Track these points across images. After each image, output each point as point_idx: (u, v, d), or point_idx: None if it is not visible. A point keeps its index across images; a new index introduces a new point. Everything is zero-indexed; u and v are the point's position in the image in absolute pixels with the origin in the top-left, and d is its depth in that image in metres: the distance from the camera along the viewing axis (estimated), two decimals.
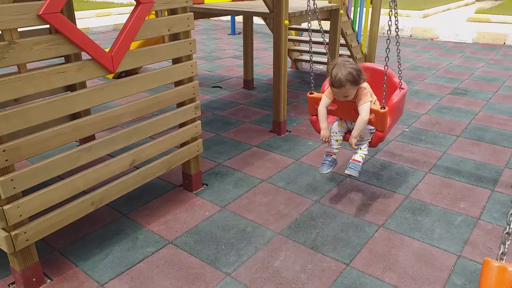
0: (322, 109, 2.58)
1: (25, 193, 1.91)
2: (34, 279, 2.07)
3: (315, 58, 5.93)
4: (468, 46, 7.69)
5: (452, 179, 3.08)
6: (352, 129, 2.55)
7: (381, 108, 2.40)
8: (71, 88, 2.95)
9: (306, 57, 6.12)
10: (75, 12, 3.23)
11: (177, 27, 2.44)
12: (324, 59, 5.81)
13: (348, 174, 2.56)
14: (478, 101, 4.74)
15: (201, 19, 11.15)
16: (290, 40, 5.76)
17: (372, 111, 2.44)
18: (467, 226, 2.54)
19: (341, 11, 4.34)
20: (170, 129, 2.61)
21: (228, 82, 5.59)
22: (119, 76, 4.42)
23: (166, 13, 2.43)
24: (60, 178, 2.08)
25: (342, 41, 4.93)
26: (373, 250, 2.34)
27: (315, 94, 2.66)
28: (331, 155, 2.65)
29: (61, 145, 2.02)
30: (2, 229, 1.87)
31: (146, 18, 2.23)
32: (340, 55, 5.39)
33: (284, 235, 2.46)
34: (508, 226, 1.15)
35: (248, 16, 4.93)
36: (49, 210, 2.03)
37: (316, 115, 2.65)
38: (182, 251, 2.34)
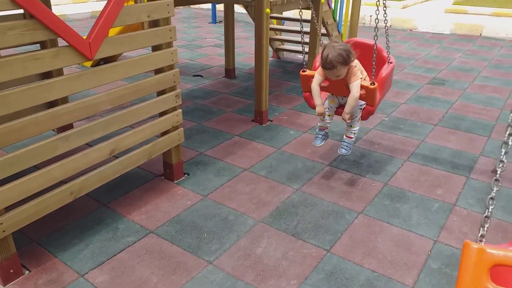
0: (315, 86, 2.67)
1: (1, 183, 1.86)
2: (11, 271, 2.03)
3: (296, 47, 5.95)
4: (446, 37, 7.82)
5: (430, 166, 3.15)
6: (343, 103, 2.73)
7: (371, 84, 2.52)
8: (47, 76, 2.87)
9: (287, 46, 6.11)
10: None
11: (157, 14, 2.40)
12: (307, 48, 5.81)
13: (341, 154, 2.83)
14: (455, 90, 4.83)
15: (182, 7, 10.99)
16: (271, 29, 5.74)
17: (362, 87, 2.54)
18: (444, 212, 2.61)
19: (322, 1, 4.34)
20: (150, 118, 2.58)
21: (209, 71, 5.55)
22: (97, 64, 4.33)
23: None
24: (37, 168, 2.04)
25: (323, 31, 4.94)
26: (353, 237, 2.38)
27: (308, 72, 2.74)
28: (324, 129, 2.87)
29: (38, 134, 1.97)
30: None
31: (125, 4, 2.18)
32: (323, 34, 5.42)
33: (266, 223, 2.48)
34: (487, 210, 1.19)
35: (229, 4, 4.88)
36: (27, 201, 1.99)
37: (309, 91, 2.76)
38: (163, 240, 2.33)
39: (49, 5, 3.06)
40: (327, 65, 2.47)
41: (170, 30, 2.52)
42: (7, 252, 1.99)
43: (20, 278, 2.06)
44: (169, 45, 2.56)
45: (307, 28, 5.25)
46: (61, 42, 2.10)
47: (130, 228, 2.43)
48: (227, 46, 5.08)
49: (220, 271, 2.12)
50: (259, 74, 3.69)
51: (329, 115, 2.83)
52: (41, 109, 2.04)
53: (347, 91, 2.61)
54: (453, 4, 10.13)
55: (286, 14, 6.78)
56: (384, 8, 2.64)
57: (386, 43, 2.78)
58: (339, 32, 5.23)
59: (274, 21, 5.93)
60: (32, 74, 1.89)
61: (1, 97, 1.76)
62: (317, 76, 2.67)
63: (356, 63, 2.58)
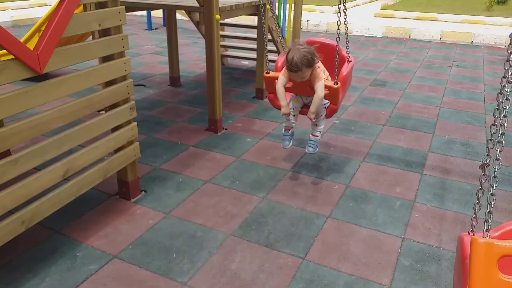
0: (280, 88, 2.74)
1: None
2: None
3: (241, 54, 5.94)
4: (379, 40, 8.23)
5: (385, 165, 3.26)
6: (308, 103, 2.85)
7: (334, 84, 2.64)
8: None
9: (231, 52, 6.07)
10: None
11: (108, 22, 2.24)
12: (251, 54, 5.82)
13: (308, 153, 2.89)
14: (396, 91, 5.08)
15: None
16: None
17: (326, 87, 2.64)
18: (406, 209, 2.70)
19: (268, 6, 4.36)
20: (102, 135, 2.40)
21: (152, 79, 5.34)
22: None
23: (94, 6, 2.21)
24: None
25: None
26: (325, 241, 2.38)
27: (271, 74, 2.82)
28: (289, 129, 2.91)
29: None
30: None
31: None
32: (269, 40, 5.45)
33: (237, 236, 2.40)
34: (489, 206, 1.20)
35: (171, 11, 4.73)
36: None
37: (273, 93, 2.84)
38: (130, 265, 2.16)
39: None
40: (292, 68, 2.55)
41: (122, 39, 2.37)
42: None
43: None
44: (121, 54, 2.41)
45: (253, 34, 5.27)
46: None
47: (90, 254, 2.23)
48: (171, 53, 4.92)
49: None
50: (211, 81, 3.60)
51: (294, 115, 2.88)
52: None
53: (311, 91, 2.70)
54: (381, 9, 10.72)
55: (234, 20, 6.74)
56: (345, 16, 2.79)
57: (346, 43, 2.94)
58: (283, 38, 5.28)
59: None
60: None
61: None
62: (281, 77, 2.73)
63: (319, 64, 2.68)
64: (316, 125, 2.88)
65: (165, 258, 2.22)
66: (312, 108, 2.71)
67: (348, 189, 2.91)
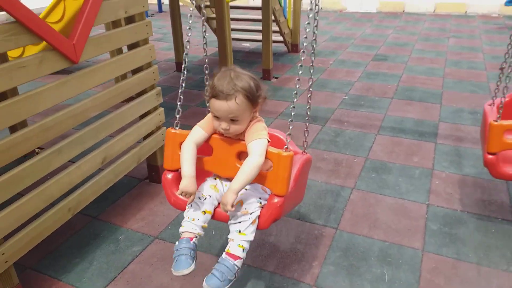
0: (189, 145, 1.59)
1: None
2: None
3: (242, 36, 5.94)
4: (374, 15, 8.26)
5: (399, 137, 3.35)
6: None
7: (283, 151, 1.49)
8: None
9: (232, 35, 6.07)
10: None
11: (133, 9, 2.27)
12: (251, 36, 5.84)
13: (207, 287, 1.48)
14: (398, 64, 5.15)
15: None
16: (213, 18, 5.66)
17: (269, 156, 1.49)
18: (426, 177, 2.80)
19: None
20: (131, 122, 2.45)
21: (158, 66, 5.33)
22: None
23: None
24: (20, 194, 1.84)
25: None
26: (354, 212, 2.48)
27: (180, 131, 1.66)
28: (191, 239, 1.58)
29: (27, 152, 1.78)
30: None
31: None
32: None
33: None
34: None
35: None
36: (24, 225, 1.81)
37: (174, 170, 1.66)
38: (172, 244, 2.24)
39: None
40: (222, 93, 1.47)
41: (146, 25, 2.40)
42: (10, 285, 1.80)
43: None
44: (146, 41, 2.44)
45: (251, 16, 5.27)
46: None
47: (132, 237, 2.31)
48: (175, 39, 4.93)
49: None
50: (225, 65, 3.64)
51: (203, 212, 1.60)
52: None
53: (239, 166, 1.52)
54: None
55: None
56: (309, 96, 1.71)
57: (304, 136, 1.79)
58: (285, 18, 5.31)
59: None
60: None
61: None
62: (197, 129, 1.62)
63: (262, 119, 1.65)
64: (239, 231, 1.55)
65: (204, 235, 2.28)
66: (235, 184, 1.47)
67: (368, 161, 3.01)
